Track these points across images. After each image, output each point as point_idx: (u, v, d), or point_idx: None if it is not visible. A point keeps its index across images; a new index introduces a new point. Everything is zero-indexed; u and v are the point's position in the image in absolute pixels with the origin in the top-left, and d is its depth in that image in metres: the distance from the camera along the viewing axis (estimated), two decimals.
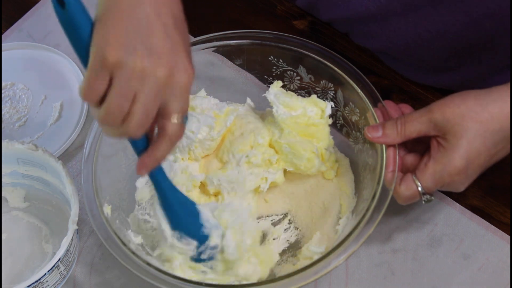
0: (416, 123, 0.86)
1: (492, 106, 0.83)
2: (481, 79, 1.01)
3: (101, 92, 0.71)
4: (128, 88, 0.70)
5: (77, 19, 0.72)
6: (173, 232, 0.84)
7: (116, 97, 0.71)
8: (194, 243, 0.85)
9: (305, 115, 0.93)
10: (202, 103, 0.96)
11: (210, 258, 0.86)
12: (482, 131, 0.83)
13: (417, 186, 0.85)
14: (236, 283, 0.87)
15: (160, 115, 0.74)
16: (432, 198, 0.86)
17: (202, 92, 0.99)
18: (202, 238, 0.85)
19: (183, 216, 0.85)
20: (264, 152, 0.93)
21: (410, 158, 0.89)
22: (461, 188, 0.86)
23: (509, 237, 0.95)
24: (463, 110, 0.84)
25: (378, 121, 0.90)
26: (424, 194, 0.86)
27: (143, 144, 0.76)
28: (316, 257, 0.84)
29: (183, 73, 0.73)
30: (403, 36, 0.99)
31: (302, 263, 0.89)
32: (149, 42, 0.71)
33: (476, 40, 0.96)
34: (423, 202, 0.86)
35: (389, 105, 0.91)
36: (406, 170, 0.89)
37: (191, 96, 0.88)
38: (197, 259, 0.86)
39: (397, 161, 0.87)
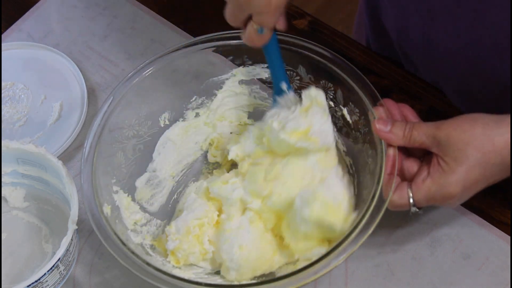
0: (422, 135, 0.86)
1: (498, 139, 0.83)
2: None
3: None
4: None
5: None
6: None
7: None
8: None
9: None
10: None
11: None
12: (482, 162, 0.83)
13: (409, 198, 0.86)
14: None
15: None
16: (421, 212, 0.87)
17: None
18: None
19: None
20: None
21: (407, 164, 0.89)
22: (451, 207, 0.88)
23: (509, 237, 0.95)
24: (469, 137, 0.83)
25: None
26: (413, 206, 0.86)
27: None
28: (315, 257, 0.84)
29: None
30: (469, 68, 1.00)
31: (301, 263, 0.89)
32: None
33: None
34: (410, 213, 0.87)
35: (388, 103, 0.91)
36: (402, 177, 0.89)
37: None
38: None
39: (397, 162, 0.87)
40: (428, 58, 1.04)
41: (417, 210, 0.87)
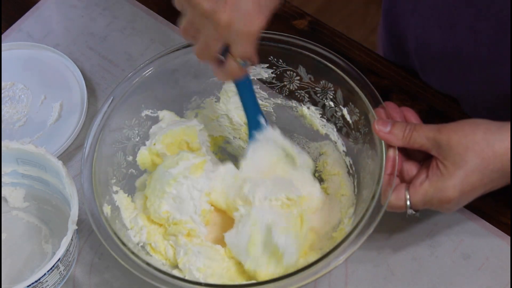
0: (423, 136, 0.86)
1: (498, 145, 0.83)
2: None
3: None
4: (192, 24, 0.84)
5: None
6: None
7: (183, 28, 0.86)
8: None
9: None
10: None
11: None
12: (481, 168, 0.83)
13: (406, 200, 0.86)
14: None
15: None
16: (417, 215, 0.87)
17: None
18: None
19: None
20: None
21: (407, 167, 0.89)
22: (448, 212, 0.88)
23: (509, 237, 0.95)
24: (469, 142, 0.83)
25: None
26: (410, 208, 0.86)
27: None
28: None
29: (243, 22, 0.82)
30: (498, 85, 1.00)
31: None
32: None
33: None
34: (407, 216, 0.87)
35: (390, 106, 0.91)
36: (401, 179, 0.89)
37: None
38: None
39: (397, 163, 0.87)
40: (447, 69, 1.04)
41: (414, 212, 0.87)
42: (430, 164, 0.86)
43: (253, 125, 0.95)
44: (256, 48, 0.85)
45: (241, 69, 0.87)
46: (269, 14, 0.84)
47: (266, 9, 0.84)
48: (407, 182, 0.88)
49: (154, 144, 0.95)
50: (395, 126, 0.88)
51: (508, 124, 0.84)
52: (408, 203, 0.86)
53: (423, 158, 0.89)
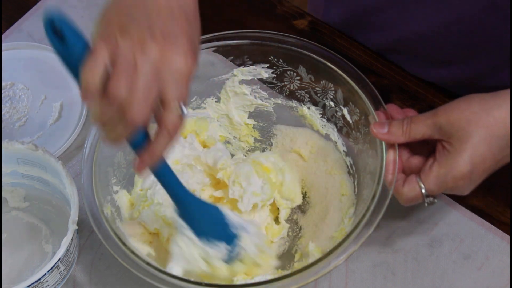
0: (422, 125, 0.86)
1: (497, 111, 0.83)
2: (484, 75, 1.02)
3: (100, 73, 0.69)
4: (125, 65, 0.69)
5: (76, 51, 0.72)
6: (200, 239, 0.84)
7: (115, 77, 0.70)
8: (223, 245, 0.85)
9: None
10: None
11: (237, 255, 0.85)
12: (487, 136, 0.83)
13: (420, 188, 0.85)
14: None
15: (158, 107, 0.72)
16: (435, 201, 0.86)
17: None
18: (230, 238, 0.85)
19: (204, 219, 0.85)
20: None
21: (415, 161, 0.89)
22: (465, 192, 0.86)
23: (509, 237, 0.95)
24: (468, 115, 0.83)
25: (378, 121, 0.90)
26: (427, 196, 0.86)
27: (143, 141, 0.74)
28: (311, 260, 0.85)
29: (179, 58, 0.72)
30: (410, 29, 1.01)
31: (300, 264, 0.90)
32: (149, 21, 0.71)
33: (480, 34, 0.97)
34: (426, 204, 0.86)
35: (392, 108, 0.90)
36: (410, 172, 0.88)
37: None
38: (228, 259, 0.85)
39: (397, 162, 0.87)
40: (389, 21, 1.05)
41: (432, 199, 0.86)
42: (435, 149, 0.86)
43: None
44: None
45: (181, 119, 0.72)
46: (198, 54, 0.75)
47: (197, 49, 0.75)
48: (416, 173, 0.87)
49: None
50: (392, 125, 0.87)
51: (500, 91, 0.84)
52: (423, 190, 0.86)
53: (428, 152, 0.88)
